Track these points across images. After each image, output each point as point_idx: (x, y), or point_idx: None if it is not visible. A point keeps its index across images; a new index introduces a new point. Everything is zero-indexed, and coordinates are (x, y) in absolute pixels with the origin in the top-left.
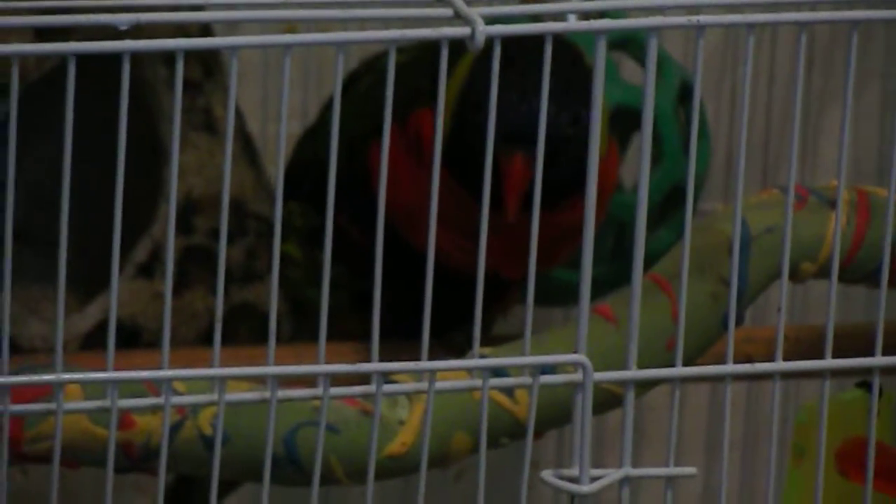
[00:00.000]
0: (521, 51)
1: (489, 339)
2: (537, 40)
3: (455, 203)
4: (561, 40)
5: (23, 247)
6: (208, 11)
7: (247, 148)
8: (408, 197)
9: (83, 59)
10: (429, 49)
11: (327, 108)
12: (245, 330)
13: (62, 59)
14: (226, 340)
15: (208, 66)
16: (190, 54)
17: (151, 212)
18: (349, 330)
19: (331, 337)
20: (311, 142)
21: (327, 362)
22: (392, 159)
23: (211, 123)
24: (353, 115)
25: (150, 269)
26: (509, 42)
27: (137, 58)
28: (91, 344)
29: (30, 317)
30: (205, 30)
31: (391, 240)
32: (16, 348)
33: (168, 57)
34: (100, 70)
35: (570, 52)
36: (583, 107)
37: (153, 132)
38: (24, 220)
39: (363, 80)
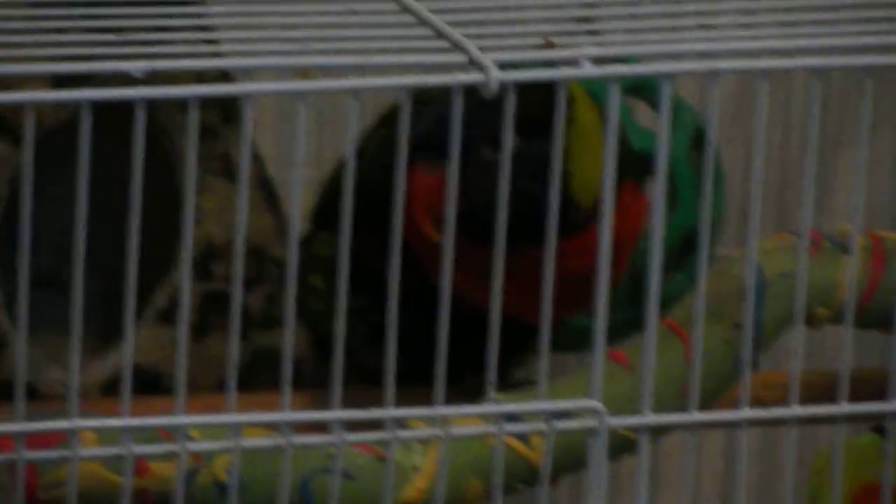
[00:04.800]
0: None
1: (509, 386)
2: None
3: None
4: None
5: (49, 295)
6: (223, 58)
7: (266, 194)
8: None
9: (105, 107)
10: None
11: (369, 135)
12: (266, 376)
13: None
14: (247, 386)
15: (227, 112)
16: (208, 101)
17: (171, 258)
18: (367, 365)
19: (350, 374)
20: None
21: (343, 408)
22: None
23: (230, 169)
24: (394, 144)
25: (170, 315)
26: None
27: (155, 104)
28: (111, 390)
29: (50, 363)
30: (224, 76)
31: (417, 279)
32: (35, 394)
33: (186, 103)
34: (121, 117)
35: None
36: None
37: (172, 178)
38: (50, 269)
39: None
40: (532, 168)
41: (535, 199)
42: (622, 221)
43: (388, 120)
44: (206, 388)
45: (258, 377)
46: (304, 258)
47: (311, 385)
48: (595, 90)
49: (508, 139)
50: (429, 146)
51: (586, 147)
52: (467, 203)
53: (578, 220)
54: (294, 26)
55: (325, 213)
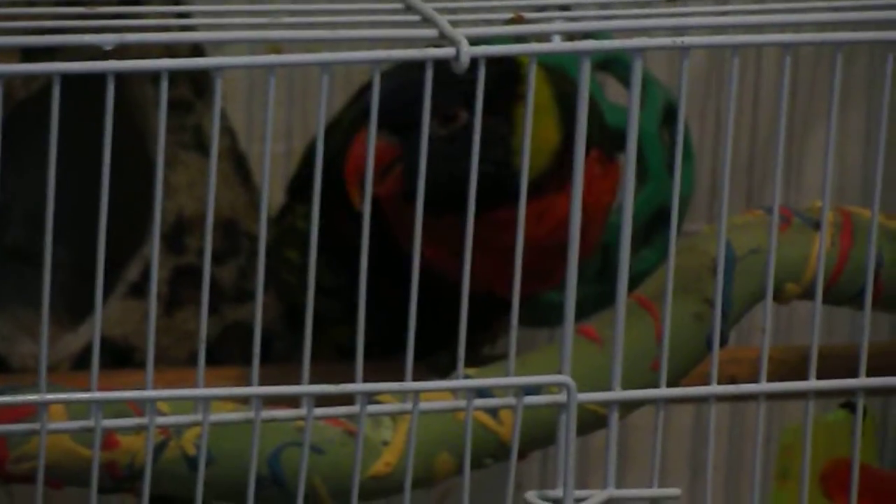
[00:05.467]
0: None
1: (479, 362)
2: None
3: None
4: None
5: (23, 267)
6: (194, 32)
7: (239, 168)
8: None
9: (80, 80)
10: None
11: (344, 109)
12: (238, 349)
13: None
14: (219, 360)
15: (199, 86)
16: (180, 74)
17: (144, 232)
18: (341, 340)
19: (322, 347)
20: (326, 141)
21: (313, 382)
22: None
23: (202, 142)
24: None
25: (142, 288)
26: None
27: (127, 78)
28: (83, 364)
29: (23, 336)
30: (196, 50)
31: (390, 254)
32: (7, 367)
33: (157, 76)
34: (94, 90)
35: None
36: (461, 107)
37: (145, 152)
38: (24, 241)
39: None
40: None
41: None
42: (585, 193)
43: (362, 93)
44: (178, 361)
45: (230, 351)
46: (279, 231)
47: (284, 359)
48: (566, 65)
49: (479, 113)
50: (383, 117)
51: (533, 122)
52: (412, 174)
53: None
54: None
55: (301, 186)
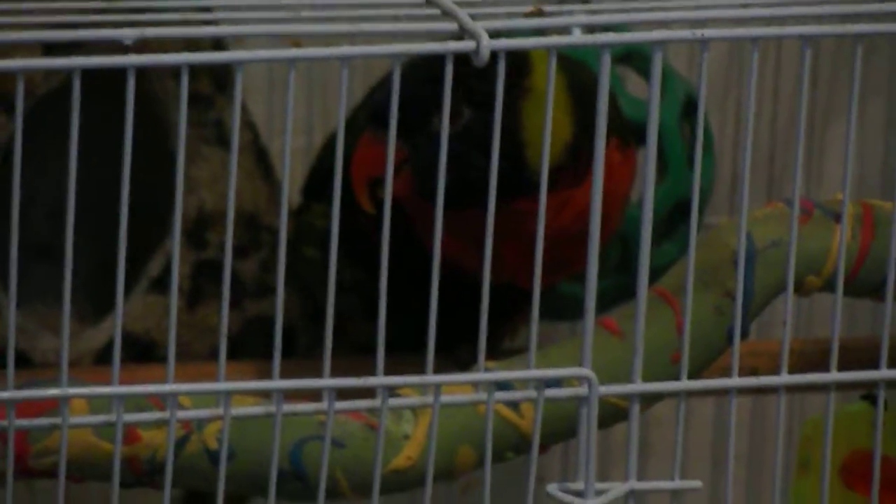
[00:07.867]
0: None
1: (499, 354)
2: None
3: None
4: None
5: (45, 263)
6: (214, 26)
7: (261, 162)
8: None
9: (100, 75)
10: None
11: (360, 106)
12: (259, 344)
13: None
14: (241, 354)
15: (219, 80)
16: (201, 68)
17: (166, 227)
18: (362, 336)
19: (342, 344)
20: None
21: (334, 376)
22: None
23: (223, 137)
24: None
25: (163, 283)
26: None
27: (148, 72)
28: (105, 358)
29: (44, 331)
30: (217, 44)
31: (411, 248)
32: (28, 362)
33: (178, 71)
34: (115, 85)
35: None
36: (463, 104)
37: (167, 147)
38: (47, 237)
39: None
40: (481, 140)
41: (484, 170)
42: (605, 179)
43: (372, 93)
44: (200, 356)
45: (251, 345)
46: (299, 229)
47: (305, 354)
48: (585, 57)
49: (499, 107)
50: (376, 118)
51: (543, 115)
52: (421, 173)
53: (534, 182)
54: None
55: (317, 185)
